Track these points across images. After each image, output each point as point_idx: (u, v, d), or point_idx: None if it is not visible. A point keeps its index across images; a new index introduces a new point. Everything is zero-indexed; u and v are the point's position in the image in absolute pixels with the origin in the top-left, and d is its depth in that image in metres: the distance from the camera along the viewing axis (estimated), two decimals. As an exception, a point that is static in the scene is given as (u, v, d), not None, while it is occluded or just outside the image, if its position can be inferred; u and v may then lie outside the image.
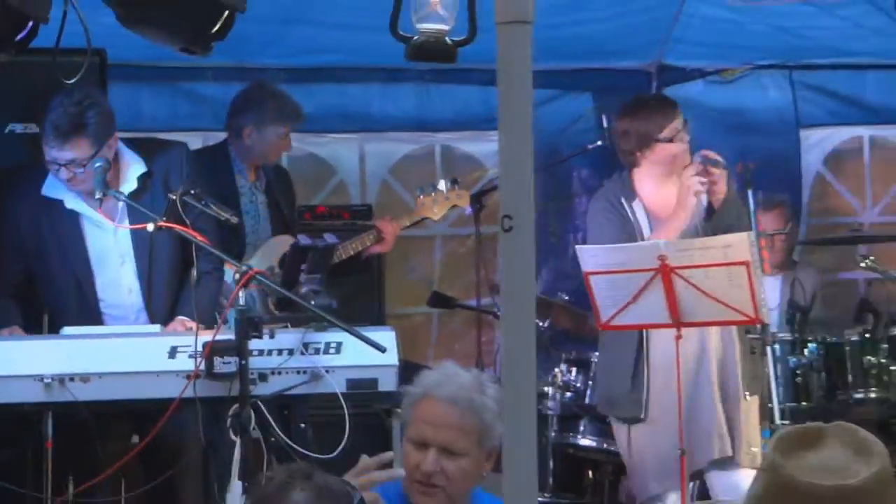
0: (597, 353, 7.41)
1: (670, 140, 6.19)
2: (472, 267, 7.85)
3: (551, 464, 7.54)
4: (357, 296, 7.71)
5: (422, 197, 7.28)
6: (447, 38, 3.66)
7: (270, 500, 3.22)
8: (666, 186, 6.18)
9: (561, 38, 7.84)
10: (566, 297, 7.64)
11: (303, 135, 8.16)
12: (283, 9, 6.97)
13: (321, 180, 8.39)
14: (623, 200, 6.25)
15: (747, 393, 6.11)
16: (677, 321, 5.65)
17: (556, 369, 7.56)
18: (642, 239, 6.10)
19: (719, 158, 6.01)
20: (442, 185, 7.26)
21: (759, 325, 5.69)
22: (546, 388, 7.55)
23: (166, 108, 8.00)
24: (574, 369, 7.53)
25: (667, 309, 5.62)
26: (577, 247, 5.84)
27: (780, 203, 8.03)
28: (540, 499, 7.48)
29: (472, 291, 7.87)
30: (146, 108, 7.97)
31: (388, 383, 5.49)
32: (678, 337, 5.69)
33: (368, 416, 6.78)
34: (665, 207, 6.16)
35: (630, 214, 6.23)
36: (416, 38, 3.66)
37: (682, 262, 5.53)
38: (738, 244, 5.47)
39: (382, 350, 5.25)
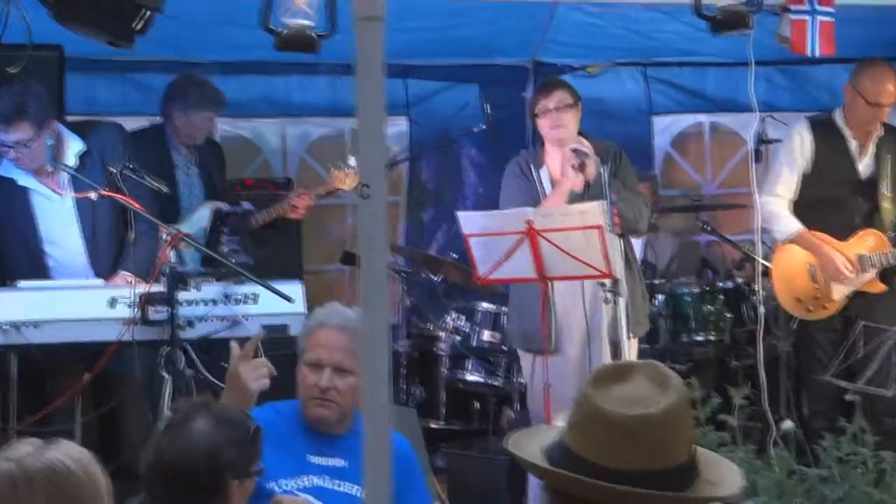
0: (482, 304, 7.45)
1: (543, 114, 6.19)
2: (377, 231, 7.80)
3: (444, 396, 7.54)
4: (279, 255, 7.69)
5: (335, 171, 7.25)
6: (311, 32, 3.62)
7: (176, 429, 3.17)
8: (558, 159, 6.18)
9: (452, 38, 7.84)
10: (455, 256, 7.62)
11: (233, 119, 8.14)
12: (218, 12, 6.90)
13: (248, 158, 8.32)
14: (532, 168, 6.26)
15: (631, 335, 6.10)
16: (542, 276, 5.64)
17: (448, 317, 7.56)
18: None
19: (585, 149, 5.99)
20: (352, 161, 7.21)
21: (610, 280, 5.63)
22: (439, 333, 7.56)
23: (118, 96, 7.91)
24: (463, 316, 7.55)
25: (534, 266, 5.60)
26: (457, 213, 5.80)
27: (651, 178, 8.05)
28: (434, 425, 7.49)
29: (378, 251, 7.81)
30: (101, 95, 7.89)
31: (297, 328, 5.48)
32: (544, 290, 5.70)
33: (285, 356, 6.77)
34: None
35: (536, 179, 6.23)
36: (283, 31, 3.62)
37: (546, 226, 5.50)
38: (592, 211, 5.45)
39: (290, 300, 5.25)
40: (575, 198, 6.04)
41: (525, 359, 6.31)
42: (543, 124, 6.21)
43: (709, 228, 7.53)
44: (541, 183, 6.25)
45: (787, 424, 5.27)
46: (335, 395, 4.06)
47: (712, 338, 7.32)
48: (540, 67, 8.57)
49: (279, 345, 5.98)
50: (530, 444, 2.42)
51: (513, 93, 8.55)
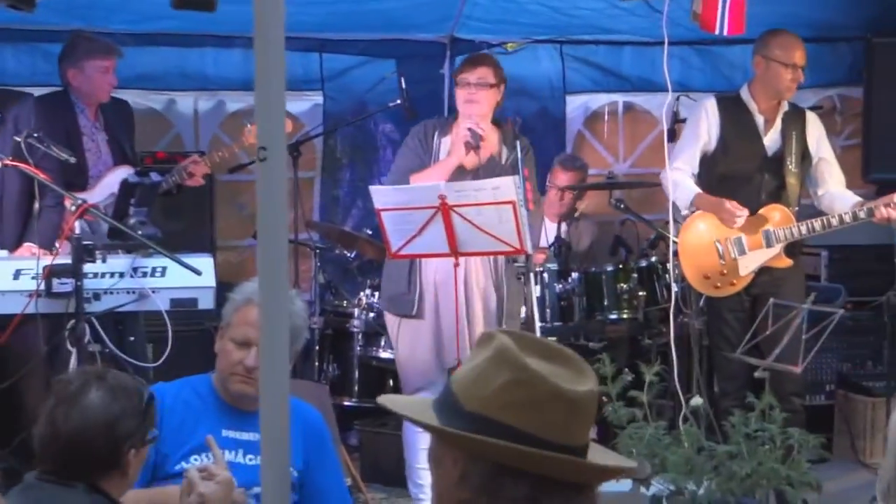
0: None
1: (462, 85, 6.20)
2: (290, 206, 7.76)
3: (357, 373, 7.49)
4: (191, 228, 7.63)
5: (249, 126, 7.03)
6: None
7: (71, 401, 3.10)
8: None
9: (368, 12, 7.77)
10: (369, 232, 7.58)
11: (145, 92, 8.02)
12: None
13: (160, 132, 8.21)
14: (436, 134, 6.25)
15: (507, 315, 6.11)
16: (455, 251, 5.61)
17: (362, 293, 7.51)
18: None
19: (481, 132, 6.00)
20: None
21: (523, 256, 5.61)
22: (352, 310, 7.50)
23: (26, 66, 7.78)
24: (377, 293, 7.47)
25: (446, 241, 5.56)
26: (370, 187, 5.74)
27: (581, 168, 8.04)
28: (347, 402, 7.44)
29: (291, 227, 7.78)
30: (9, 65, 7.77)
31: (206, 302, 5.47)
32: (456, 264, 5.67)
33: (196, 331, 6.72)
34: None
35: (435, 147, 6.21)
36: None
37: (459, 201, 5.47)
38: (505, 186, 5.42)
39: (198, 273, 5.17)
40: (462, 175, 6.03)
41: (392, 322, 6.31)
42: (460, 95, 6.22)
43: (623, 206, 7.53)
44: (438, 151, 6.23)
45: (696, 401, 5.28)
46: (259, 374, 3.98)
47: (626, 316, 7.32)
48: (457, 44, 8.52)
49: (189, 318, 5.93)
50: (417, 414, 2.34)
51: (430, 68, 8.50)
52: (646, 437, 4.79)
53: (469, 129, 6.00)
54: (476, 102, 6.14)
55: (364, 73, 8.36)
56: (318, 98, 8.38)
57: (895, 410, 3.14)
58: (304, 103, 8.37)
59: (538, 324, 5.59)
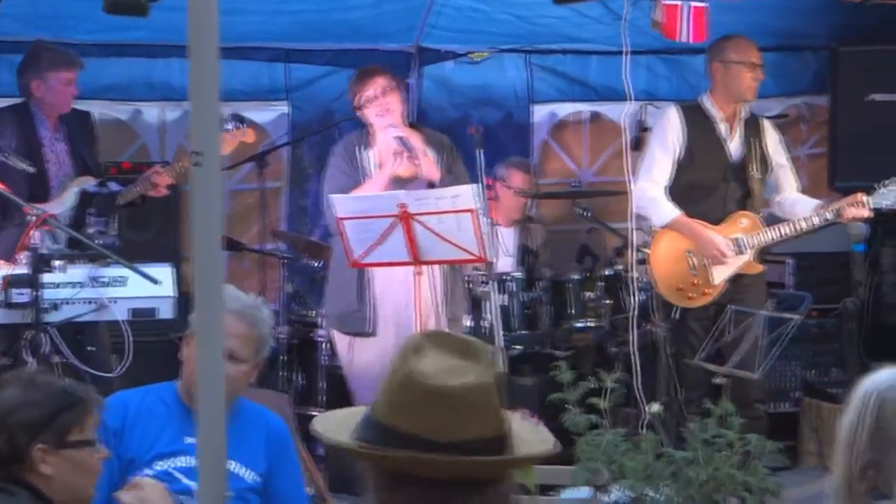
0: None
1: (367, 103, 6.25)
2: (257, 217, 7.77)
3: (322, 383, 7.47)
4: (158, 239, 7.62)
5: None
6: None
7: None
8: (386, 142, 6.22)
9: (334, 21, 7.79)
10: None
11: (111, 102, 8.01)
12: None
13: (126, 142, 8.19)
14: (358, 150, 6.29)
15: (449, 314, 6.14)
16: (416, 260, 5.63)
17: (328, 303, 7.50)
18: None
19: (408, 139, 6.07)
20: (230, 124, 7.07)
21: (484, 264, 5.64)
22: (319, 319, 7.49)
23: (-7, 77, 7.74)
24: (342, 304, 7.49)
25: (408, 249, 5.57)
26: (329, 196, 5.75)
27: (527, 167, 8.07)
28: (313, 412, 7.40)
29: (258, 237, 7.78)
30: (-24, 76, 7.73)
31: (165, 312, 5.47)
32: (419, 273, 5.68)
33: (158, 342, 6.69)
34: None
35: (362, 162, 6.22)
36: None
37: (420, 210, 5.50)
38: (465, 194, 5.46)
39: (156, 283, 5.17)
40: (401, 186, 6.05)
41: (341, 341, 6.27)
42: (370, 114, 6.26)
43: (588, 215, 7.55)
44: (367, 164, 6.27)
45: (654, 407, 5.30)
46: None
47: (591, 324, 7.34)
48: (423, 53, 8.54)
49: (151, 328, 5.92)
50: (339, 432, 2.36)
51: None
52: (604, 443, 4.79)
53: (396, 139, 6.03)
54: (390, 110, 6.19)
55: (330, 82, 8.36)
56: (284, 108, 8.38)
57: (845, 413, 3.16)
58: (270, 113, 8.37)
59: (500, 333, 5.55)
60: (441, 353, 2.28)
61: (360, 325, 6.06)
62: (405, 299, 5.99)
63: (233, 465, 4.08)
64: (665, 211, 6.69)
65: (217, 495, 2.29)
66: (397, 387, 2.24)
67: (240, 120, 7.13)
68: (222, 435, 2.33)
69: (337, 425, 2.37)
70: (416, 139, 6.17)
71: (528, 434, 2.41)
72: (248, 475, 4.12)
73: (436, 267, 6.15)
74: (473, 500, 2.23)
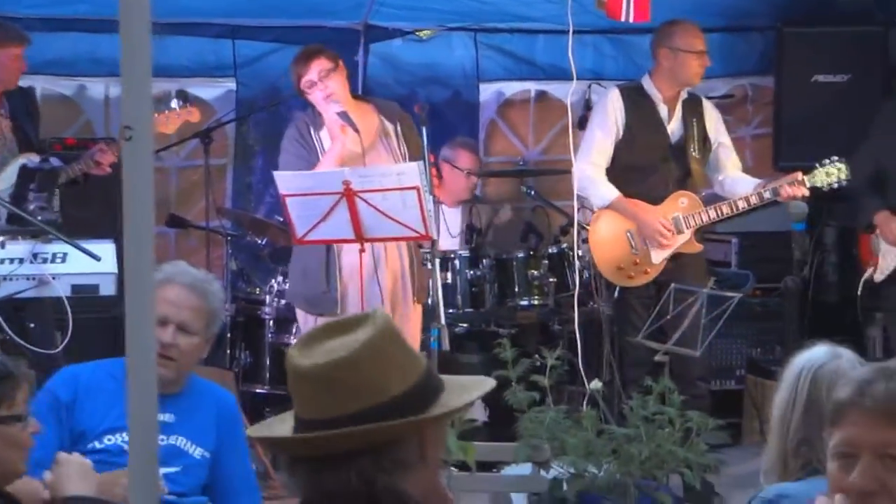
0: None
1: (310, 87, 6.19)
2: (202, 193, 7.72)
3: (268, 361, 7.46)
4: (98, 215, 7.53)
5: (157, 115, 7.01)
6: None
7: None
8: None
9: (282, -2, 7.76)
10: (280, 219, 7.53)
11: (55, 77, 7.94)
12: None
13: (70, 118, 8.10)
14: (312, 130, 6.22)
15: (415, 299, 6.12)
16: (360, 237, 5.61)
17: (273, 280, 7.49)
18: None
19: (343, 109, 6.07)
20: (174, 103, 7.01)
21: (429, 241, 5.63)
22: (264, 297, 7.48)
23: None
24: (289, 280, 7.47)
25: (352, 226, 5.56)
26: (274, 172, 5.73)
27: (473, 146, 8.08)
28: (258, 390, 7.42)
29: (203, 214, 7.74)
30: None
31: (107, 288, 5.43)
32: (362, 250, 5.66)
33: (100, 319, 6.65)
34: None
35: (316, 143, 6.18)
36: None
37: (364, 187, 5.47)
38: (409, 172, 5.44)
39: (97, 259, 5.14)
40: (361, 160, 6.03)
41: (307, 321, 6.28)
42: (316, 98, 6.20)
43: (533, 193, 7.56)
44: (321, 145, 6.21)
45: (595, 384, 5.33)
46: (176, 353, 4.04)
47: (536, 302, 7.36)
48: (371, 30, 8.51)
49: (90, 305, 5.88)
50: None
51: (344, 55, 8.36)
52: (546, 420, 4.82)
53: (337, 114, 6.02)
54: (334, 92, 6.16)
55: (277, 59, 8.29)
56: (230, 84, 8.32)
57: (778, 391, 3.19)
58: (216, 90, 8.31)
59: (443, 310, 5.55)
60: (325, 334, 2.33)
61: (330, 306, 6.02)
62: (370, 280, 5.97)
63: (181, 441, 4.10)
64: (604, 192, 6.73)
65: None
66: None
67: (184, 98, 7.07)
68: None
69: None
70: (366, 112, 6.12)
71: (465, 389, 2.43)
72: (196, 451, 4.12)
73: (402, 246, 6.15)
74: (342, 475, 2.25)
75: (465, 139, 8.17)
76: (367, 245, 5.71)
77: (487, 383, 2.46)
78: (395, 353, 2.31)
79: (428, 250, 5.60)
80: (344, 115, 6.02)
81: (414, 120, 6.09)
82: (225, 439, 4.18)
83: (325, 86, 6.12)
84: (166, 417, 4.04)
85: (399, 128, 6.24)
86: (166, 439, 4.04)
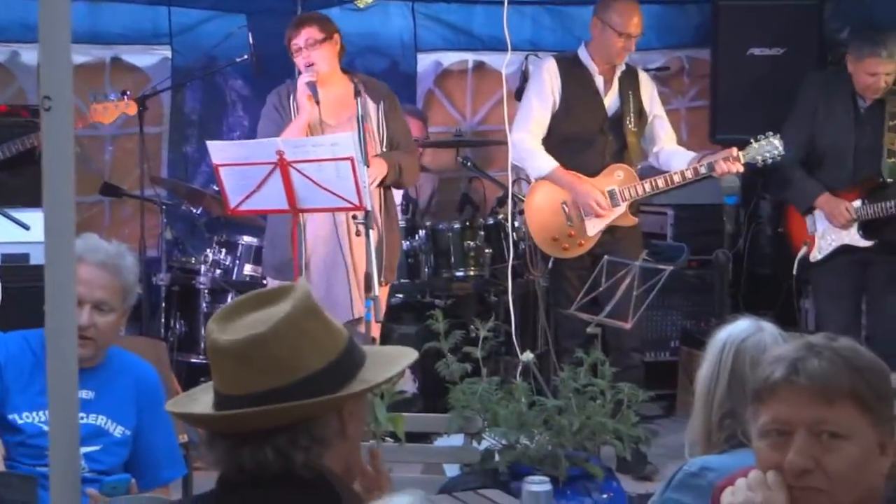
0: (244, 237, 7.38)
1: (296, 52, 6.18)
2: (137, 162, 7.66)
3: (202, 331, 7.41)
4: (30, 183, 7.44)
5: (95, 104, 6.99)
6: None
7: None
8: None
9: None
10: (216, 189, 7.48)
11: (-13, 43, 7.84)
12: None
13: (3, 84, 8.01)
14: (291, 99, 6.20)
15: (382, 281, 6.07)
16: (294, 208, 5.59)
17: (209, 250, 7.46)
18: None
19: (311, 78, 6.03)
20: (113, 96, 7.00)
21: (363, 212, 5.61)
22: (199, 266, 7.44)
23: None
24: (224, 250, 7.46)
25: (285, 197, 5.53)
26: (207, 143, 5.68)
27: (423, 117, 8.07)
28: (194, 360, 7.40)
29: (138, 183, 7.68)
30: None
31: (38, 257, 5.36)
32: (295, 222, 5.66)
33: (30, 287, 6.58)
34: None
35: (292, 110, 6.18)
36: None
37: (298, 157, 5.44)
38: (343, 142, 5.41)
39: (26, 228, 5.09)
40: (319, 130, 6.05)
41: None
42: (298, 62, 6.19)
43: (469, 164, 7.56)
44: (297, 113, 6.18)
45: (527, 356, 5.33)
46: (94, 333, 3.98)
47: (472, 273, 7.37)
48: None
49: (20, 274, 5.82)
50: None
51: (280, 24, 8.18)
52: (478, 391, 4.82)
53: (306, 84, 5.99)
54: (314, 63, 6.12)
55: (213, 27, 8.23)
56: (166, 52, 8.23)
57: (702, 364, 3.20)
58: (151, 57, 8.23)
59: (377, 280, 5.54)
60: (245, 307, 2.34)
61: (294, 273, 6.02)
62: (333, 251, 6.02)
63: (101, 420, 4.06)
64: (541, 162, 6.73)
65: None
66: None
67: (123, 93, 7.05)
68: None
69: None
70: (345, 87, 6.14)
71: (389, 360, 2.43)
72: (117, 429, 4.08)
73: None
74: (259, 452, 2.25)
75: (412, 107, 8.15)
76: (327, 215, 5.75)
77: (409, 355, 2.46)
78: (313, 329, 2.31)
79: (362, 221, 5.57)
80: (311, 86, 5.98)
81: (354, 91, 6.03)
82: (146, 414, 4.14)
83: (307, 55, 6.09)
84: (85, 394, 4.00)
85: (382, 107, 6.20)
86: (86, 417, 3.99)
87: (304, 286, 2.37)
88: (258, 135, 6.27)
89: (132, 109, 7.07)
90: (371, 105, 6.21)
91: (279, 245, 6.15)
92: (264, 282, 7.17)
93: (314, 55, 6.10)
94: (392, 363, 2.43)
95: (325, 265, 6.10)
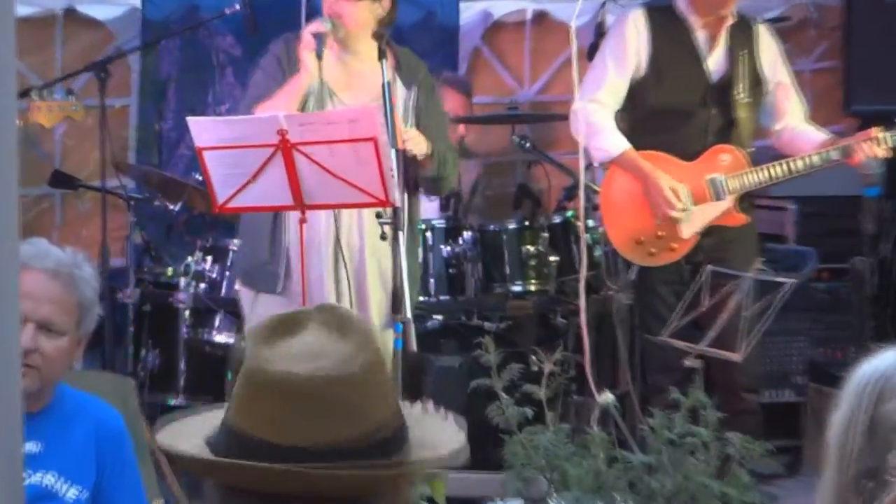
0: (236, 241, 7.40)
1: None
2: (97, 144, 7.68)
3: (184, 363, 7.46)
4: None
5: (36, 101, 6.99)
6: None
7: None
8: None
9: None
10: (200, 178, 7.51)
11: None
12: None
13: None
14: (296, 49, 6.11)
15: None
16: (301, 203, 5.57)
17: (190, 258, 7.48)
18: None
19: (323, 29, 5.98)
20: (59, 94, 7.02)
21: (389, 209, 5.61)
22: (178, 280, 7.46)
23: None
24: (210, 258, 7.48)
25: (289, 189, 5.53)
26: (188, 119, 5.68)
27: (469, 91, 8.09)
28: (172, 402, 7.41)
29: (98, 172, 7.71)
30: None
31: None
32: (302, 220, 5.64)
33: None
34: None
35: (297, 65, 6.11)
36: None
37: (305, 138, 5.41)
38: (365, 118, 5.38)
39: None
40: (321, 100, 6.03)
41: (247, 297, 6.30)
42: (325, 4, 6.13)
43: (528, 145, 7.55)
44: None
45: (606, 397, 5.32)
46: (38, 361, 3.97)
47: (532, 288, 7.39)
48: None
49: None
50: (194, 435, 2.38)
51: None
52: (542, 444, 4.83)
53: (312, 34, 5.94)
54: (338, 14, 6.09)
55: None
56: (134, 1, 8.29)
57: (838, 407, 3.19)
58: (115, 8, 8.30)
59: (408, 299, 5.53)
60: (303, 334, 2.32)
61: (270, 282, 6.02)
62: (320, 256, 6.02)
63: (49, 479, 4.06)
64: (609, 142, 6.70)
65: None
66: (241, 377, 2.28)
67: (69, 91, 7.07)
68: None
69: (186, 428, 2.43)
70: (370, 59, 6.09)
71: (433, 433, 2.43)
72: (70, 491, 4.08)
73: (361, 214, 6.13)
74: None
75: (451, 75, 8.17)
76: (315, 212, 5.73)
77: (454, 439, 2.47)
78: (381, 375, 2.34)
79: (388, 220, 5.57)
80: (318, 38, 5.91)
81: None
82: (108, 470, 4.16)
83: (335, 6, 6.04)
84: (31, 447, 3.99)
85: (415, 96, 6.18)
86: (31, 476, 4.00)
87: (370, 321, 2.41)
88: (249, 92, 6.25)
89: (79, 115, 7.08)
90: (400, 89, 6.19)
91: (251, 243, 6.22)
92: (179, 297, 7.25)
93: (343, 7, 6.07)
94: (435, 429, 2.45)
95: (320, 278, 6.08)
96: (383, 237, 5.71)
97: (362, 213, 6.03)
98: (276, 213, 6.04)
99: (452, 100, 7.88)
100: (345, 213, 6.03)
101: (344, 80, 6.16)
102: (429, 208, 7.73)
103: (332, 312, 2.35)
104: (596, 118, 6.69)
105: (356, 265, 6.10)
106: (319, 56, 5.88)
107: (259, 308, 6.14)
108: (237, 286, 6.52)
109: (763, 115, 6.89)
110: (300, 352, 2.27)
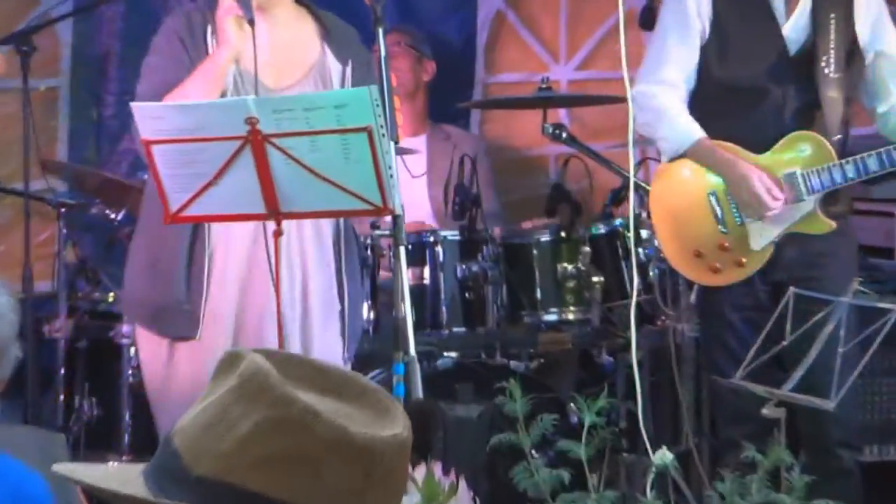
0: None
1: None
2: (18, 137, 7.71)
3: (128, 414, 7.51)
4: None
5: None
6: None
7: None
8: None
9: None
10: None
11: None
12: None
13: None
14: (209, 30, 6.14)
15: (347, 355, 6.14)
16: (276, 211, 5.58)
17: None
18: None
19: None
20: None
21: (388, 217, 5.63)
22: (120, 308, 7.47)
23: None
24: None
25: (260, 193, 5.53)
26: (132, 104, 5.68)
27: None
28: (114, 461, 7.42)
29: (21, 171, 7.73)
30: None
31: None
32: (277, 232, 5.63)
33: None
34: None
35: (211, 45, 6.12)
36: None
37: (281, 129, 5.42)
38: (356, 103, 5.39)
39: None
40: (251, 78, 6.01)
41: (148, 343, 6.28)
42: None
43: (564, 135, 7.55)
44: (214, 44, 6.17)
45: (663, 456, 5.33)
46: None
47: (571, 316, 7.40)
48: None
49: None
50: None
51: None
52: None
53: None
54: None
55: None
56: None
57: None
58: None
59: (411, 331, 5.53)
60: (314, 387, 2.35)
61: (184, 326, 5.98)
62: (260, 282, 5.98)
63: None
64: (680, 131, 6.70)
65: None
66: (265, 427, 2.29)
67: None
68: None
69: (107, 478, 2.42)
70: (301, 25, 6.17)
71: None
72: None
73: (323, 225, 6.15)
74: None
75: (401, 29, 8.22)
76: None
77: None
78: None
79: (387, 232, 5.57)
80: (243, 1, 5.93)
81: (362, 15, 6.04)
82: None
83: None
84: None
85: (349, 70, 6.22)
86: None
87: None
88: (144, 82, 6.23)
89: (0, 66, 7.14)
90: (333, 64, 6.23)
91: (158, 272, 6.15)
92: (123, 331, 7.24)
93: None
94: None
95: (245, 314, 6.08)
96: (382, 254, 5.73)
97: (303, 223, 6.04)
98: (195, 228, 6.00)
99: (401, 62, 7.93)
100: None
101: (278, 52, 6.17)
102: (438, 217, 7.75)
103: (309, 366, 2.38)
104: (662, 102, 6.69)
105: (320, 287, 6.11)
106: (251, 22, 5.88)
107: (179, 360, 6.08)
108: (138, 333, 6.46)
109: (863, 94, 6.87)
110: (355, 411, 2.34)
